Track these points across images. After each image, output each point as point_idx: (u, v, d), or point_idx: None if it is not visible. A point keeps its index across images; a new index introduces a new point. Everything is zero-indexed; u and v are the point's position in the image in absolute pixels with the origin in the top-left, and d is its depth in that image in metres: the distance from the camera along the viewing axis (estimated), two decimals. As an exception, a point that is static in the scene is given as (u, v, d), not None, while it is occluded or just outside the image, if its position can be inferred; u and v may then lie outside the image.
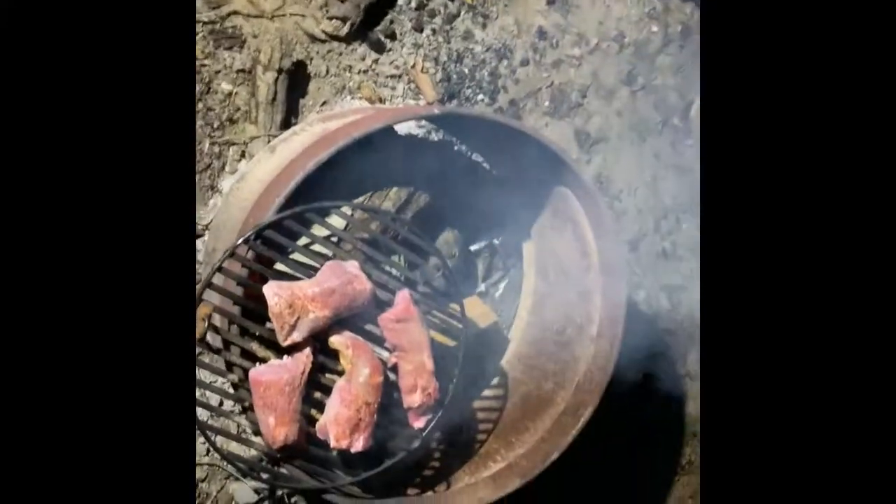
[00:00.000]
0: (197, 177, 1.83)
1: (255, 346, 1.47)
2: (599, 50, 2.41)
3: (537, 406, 1.90)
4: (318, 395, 1.53)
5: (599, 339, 1.83)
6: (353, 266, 1.50)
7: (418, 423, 1.59)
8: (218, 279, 1.42)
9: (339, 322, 1.50)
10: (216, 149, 1.84)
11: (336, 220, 1.55)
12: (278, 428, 1.43)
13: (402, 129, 2.01)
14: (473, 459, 1.85)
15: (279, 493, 1.89)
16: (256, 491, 1.88)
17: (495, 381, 2.03)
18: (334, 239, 1.55)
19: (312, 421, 1.51)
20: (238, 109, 1.88)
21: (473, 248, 2.08)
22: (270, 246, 1.45)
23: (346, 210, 1.54)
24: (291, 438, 1.45)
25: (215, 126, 1.85)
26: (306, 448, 1.51)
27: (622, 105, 2.47)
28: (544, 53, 2.33)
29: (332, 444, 1.48)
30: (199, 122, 1.82)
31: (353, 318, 1.52)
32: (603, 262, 1.82)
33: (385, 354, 1.57)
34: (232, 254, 1.41)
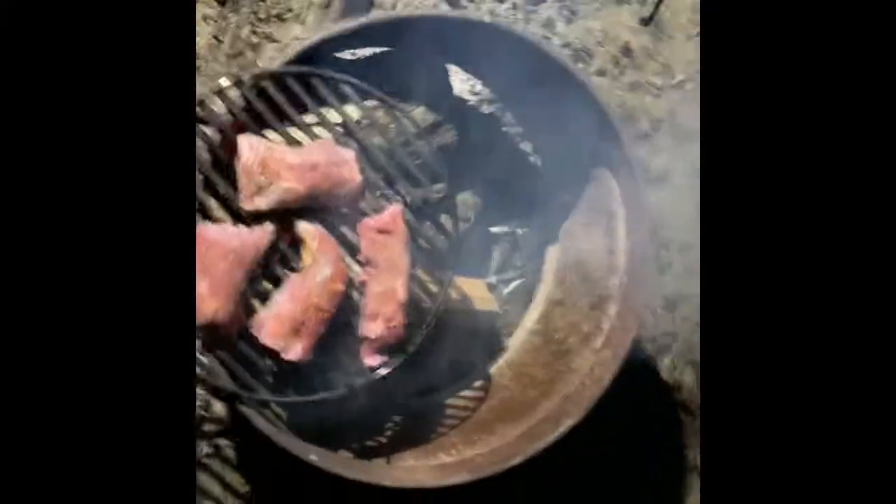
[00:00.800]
0: (225, 62, 1.70)
1: (212, 203, 1.28)
2: (683, 88, 2.24)
3: (515, 412, 1.64)
4: (267, 286, 1.32)
5: (603, 350, 1.59)
6: (347, 152, 1.32)
7: (370, 360, 1.36)
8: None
9: (313, 210, 1.31)
10: (255, 39, 1.72)
11: (351, 111, 1.39)
12: (210, 299, 1.22)
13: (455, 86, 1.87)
14: (425, 446, 1.59)
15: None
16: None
17: (478, 382, 1.78)
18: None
19: (252, 314, 1.30)
20: (290, 10, 1.77)
21: (494, 230, 1.87)
22: (264, 100, 1.28)
23: (353, 92, 1.36)
24: (221, 317, 1.24)
25: (261, 17, 1.73)
26: (235, 340, 1.29)
27: (694, 152, 2.27)
28: (624, 71, 2.17)
29: (265, 339, 1.27)
30: (245, 10, 1.71)
31: (330, 214, 1.33)
32: (630, 263, 1.59)
33: (356, 269, 1.36)
34: (220, 92, 1.25)
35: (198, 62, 1.67)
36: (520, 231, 1.90)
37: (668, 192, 2.21)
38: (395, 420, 1.67)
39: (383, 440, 1.61)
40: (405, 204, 1.39)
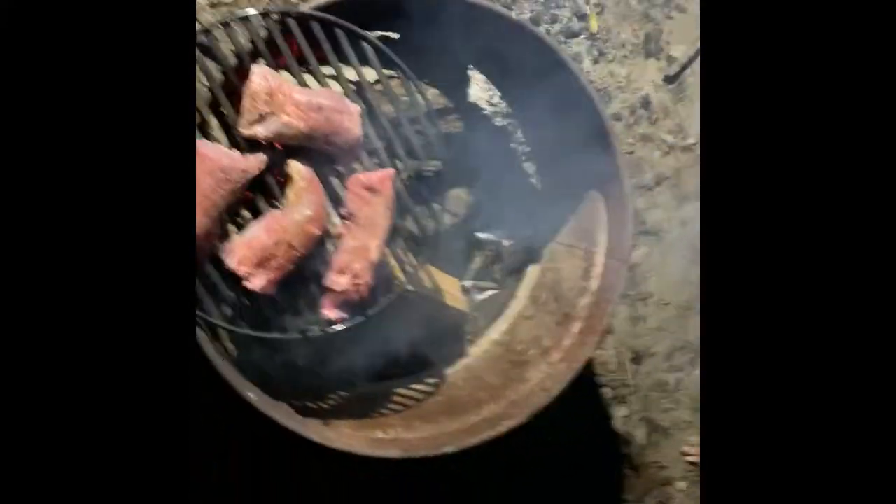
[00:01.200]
0: None
1: (213, 121, 1.31)
2: (692, 151, 2.29)
3: (460, 409, 1.65)
4: (246, 215, 1.34)
5: (559, 364, 1.60)
6: (353, 106, 1.36)
7: (329, 312, 1.37)
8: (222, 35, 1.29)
9: (308, 155, 1.34)
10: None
11: (368, 73, 1.43)
12: (187, 210, 1.24)
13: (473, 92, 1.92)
14: (365, 421, 1.59)
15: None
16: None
17: (431, 379, 1.79)
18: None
19: (225, 239, 1.32)
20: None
21: (480, 235, 1.90)
22: (286, 38, 1.33)
23: (374, 55, 1.40)
24: (196, 231, 1.25)
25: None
26: (203, 259, 1.30)
27: (690, 217, 2.31)
28: (639, 122, 2.23)
29: (232, 264, 1.28)
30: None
31: (324, 163, 1.36)
32: (602, 285, 1.61)
33: (336, 222, 1.38)
34: (245, 18, 1.29)
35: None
36: (505, 242, 1.92)
37: (656, 247, 2.24)
38: (341, 394, 1.67)
39: (325, 406, 1.61)
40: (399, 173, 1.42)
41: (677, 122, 2.26)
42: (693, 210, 2.29)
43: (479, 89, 1.97)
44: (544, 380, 1.59)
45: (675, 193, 2.27)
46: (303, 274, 1.35)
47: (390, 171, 1.38)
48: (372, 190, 1.35)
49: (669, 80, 2.24)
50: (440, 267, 1.77)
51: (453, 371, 1.81)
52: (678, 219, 2.28)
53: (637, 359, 2.25)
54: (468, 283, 1.91)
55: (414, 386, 1.76)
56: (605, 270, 1.60)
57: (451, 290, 1.77)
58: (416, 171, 1.43)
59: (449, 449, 1.47)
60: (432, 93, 1.58)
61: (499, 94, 1.95)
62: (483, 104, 1.97)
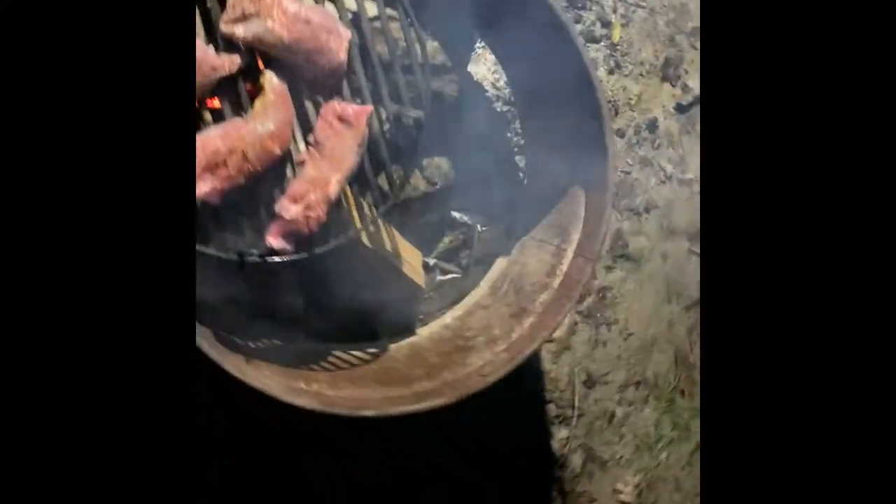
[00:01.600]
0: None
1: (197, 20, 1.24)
2: (689, 187, 2.23)
3: (392, 381, 1.56)
4: (207, 118, 1.27)
5: (501, 354, 1.52)
6: (344, 30, 1.29)
7: (273, 240, 1.29)
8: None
9: (285, 72, 1.26)
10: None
11: (369, 6, 1.36)
12: (145, 95, 1.17)
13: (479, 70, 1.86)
14: (289, 370, 1.50)
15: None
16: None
17: (372, 349, 1.70)
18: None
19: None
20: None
21: (456, 214, 1.82)
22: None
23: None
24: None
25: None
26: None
27: (672, 252, 2.25)
28: (642, 143, 2.17)
29: (179, 162, 1.20)
30: None
31: (301, 85, 1.29)
32: (564, 283, 1.54)
33: (301, 149, 1.31)
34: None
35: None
36: (479, 228, 1.85)
37: (633, 274, 2.18)
38: (275, 342, 1.59)
39: (252, 346, 1.53)
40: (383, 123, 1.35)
41: (680, 153, 2.21)
42: (677, 246, 2.22)
43: (487, 70, 1.91)
44: (484, 366, 1.51)
45: (663, 224, 2.21)
46: (254, 194, 1.27)
47: (368, 107, 1.31)
48: (345, 122, 1.28)
49: (681, 108, 2.19)
50: (406, 236, 1.70)
51: (397, 347, 1.72)
52: (661, 250, 2.21)
53: (590, 383, 2.17)
54: (432, 261, 1.84)
55: (353, 352, 1.67)
56: (569, 268, 1.53)
57: (412, 260, 1.69)
58: (396, 115, 1.35)
59: (367, 413, 1.39)
60: (433, 47, 1.51)
61: (505, 78, 1.89)
62: (487, 85, 1.92)
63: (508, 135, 1.93)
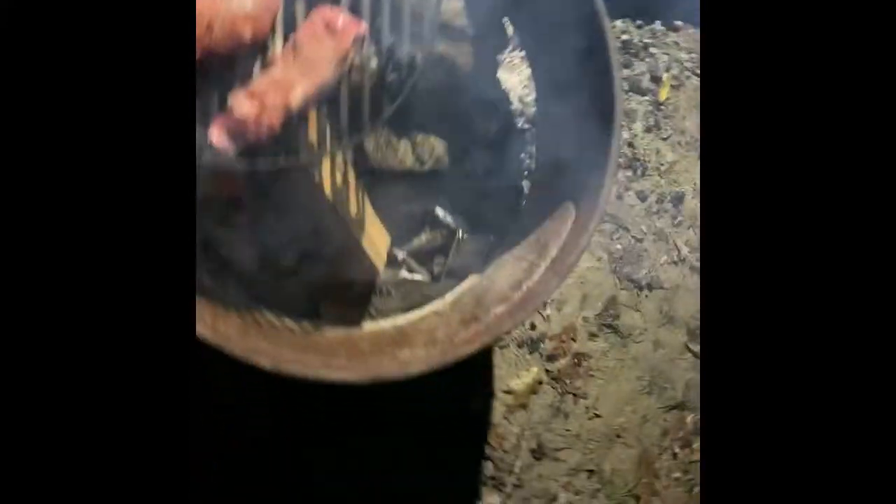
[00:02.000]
0: None
1: None
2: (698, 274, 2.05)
3: (310, 348, 1.39)
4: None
5: (433, 350, 1.35)
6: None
7: (217, 136, 1.16)
8: None
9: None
10: None
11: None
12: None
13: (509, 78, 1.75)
14: (244, 316, 1.35)
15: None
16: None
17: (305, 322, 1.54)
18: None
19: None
20: None
21: (440, 212, 1.67)
22: None
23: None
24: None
25: None
26: None
27: (667, 341, 2.05)
28: (662, 215, 2.01)
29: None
30: None
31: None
32: (525, 296, 1.36)
33: (278, 47, 1.19)
34: None
35: None
36: (461, 234, 1.68)
37: (616, 351, 1.99)
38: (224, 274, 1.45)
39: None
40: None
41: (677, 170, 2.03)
42: (673, 336, 2.03)
43: (518, 81, 1.80)
44: (410, 360, 1.32)
45: (663, 308, 2.02)
46: (209, 77, 1.15)
47: (364, 28, 1.19)
48: (331, 30, 1.16)
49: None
50: (380, 215, 1.56)
51: (333, 333, 1.55)
52: (654, 336, 2.02)
53: (538, 454, 1.94)
54: (401, 255, 1.68)
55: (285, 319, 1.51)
56: (535, 284, 1.36)
57: (377, 241, 1.54)
58: (391, 49, 1.23)
59: (323, 372, 1.22)
60: (453, 6, 1.40)
61: (534, 96, 1.77)
62: (513, 97, 1.80)
63: (521, 155, 1.79)
